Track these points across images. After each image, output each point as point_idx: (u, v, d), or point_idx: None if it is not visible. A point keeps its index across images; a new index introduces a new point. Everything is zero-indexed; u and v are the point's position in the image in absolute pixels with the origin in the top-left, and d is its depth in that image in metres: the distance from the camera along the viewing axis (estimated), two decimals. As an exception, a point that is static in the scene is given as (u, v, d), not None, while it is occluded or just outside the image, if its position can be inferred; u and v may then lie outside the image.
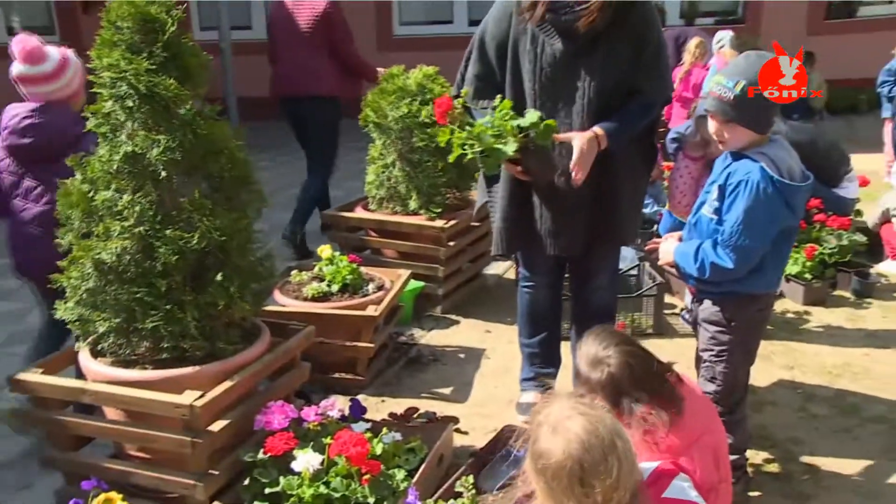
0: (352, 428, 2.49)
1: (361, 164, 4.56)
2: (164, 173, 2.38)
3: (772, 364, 3.56)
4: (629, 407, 1.91)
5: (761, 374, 3.37)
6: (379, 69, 4.83)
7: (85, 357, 2.54)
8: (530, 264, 3.02)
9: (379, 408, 3.26)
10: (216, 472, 2.40)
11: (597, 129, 2.59)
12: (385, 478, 2.34)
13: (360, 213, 4.42)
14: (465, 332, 4.07)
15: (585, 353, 1.99)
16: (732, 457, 2.37)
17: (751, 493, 2.63)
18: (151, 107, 2.37)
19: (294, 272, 3.71)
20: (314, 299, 3.47)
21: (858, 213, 4.95)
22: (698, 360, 2.62)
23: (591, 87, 2.60)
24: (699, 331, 2.58)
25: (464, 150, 2.55)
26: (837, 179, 4.73)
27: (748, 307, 2.47)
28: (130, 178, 2.40)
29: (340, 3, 5.12)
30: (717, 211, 2.38)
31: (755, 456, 2.82)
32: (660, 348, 3.20)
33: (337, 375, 3.43)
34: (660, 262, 2.70)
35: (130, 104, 2.37)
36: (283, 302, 3.45)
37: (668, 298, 4.17)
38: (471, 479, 2.41)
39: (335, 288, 3.52)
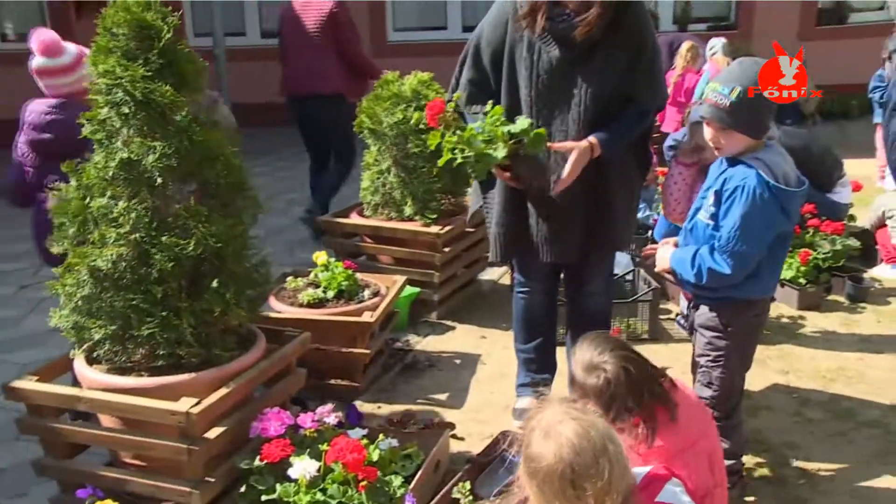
0: (348, 434, 2.48)
1: (356, 169, 4.57)
2: (159, 180, 2.38)
3: (767, 368, 3.56)
4: (622, 412, 1.91)
5: (756, 379, 3.38)
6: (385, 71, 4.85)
7: (80, 364, 2.53)
8: (525, 270, 3.02)
9: (375, 414, 3.26)
10: (212, 480, 2.39)
11: (592, 138, 2.60)
12: (382, 484, 2.34)
13: (355, 219, 4.41)
14: (460, 338, 4.06)
15: (581, 359, 1.99)
16: (728, 462, 2.38)
17: (747, 498, 2.63)
18: (147, 113, 2.36)
19: (289, 278, 3.70)
20: (310, 305, 3.46)
21: (852, 217, 4.98)
22: (695, 365, 2.62)
23: (587, 94, 2.60)
24: (696, 336, 2.58)
25: (454, 154, 2.53)
26: (831, 184, 4.75)
27: (745, 312, 2.47)
28: (126, 184, 2.40)
29: (347, 4, 5.13)
30: (714, 216, 2.38)
31: (750, 460, 2.82)
32: (655, 353, 3.22)
33: (333, 382, 3.43)
34: (657, 269, 2.69)
35: (126, 111, 2.36)
36: (279, 308, 3.44)
37: (663, 304, 4.18)
38: (468, 485, 2.41)
39: (331, 294, 3.51)
